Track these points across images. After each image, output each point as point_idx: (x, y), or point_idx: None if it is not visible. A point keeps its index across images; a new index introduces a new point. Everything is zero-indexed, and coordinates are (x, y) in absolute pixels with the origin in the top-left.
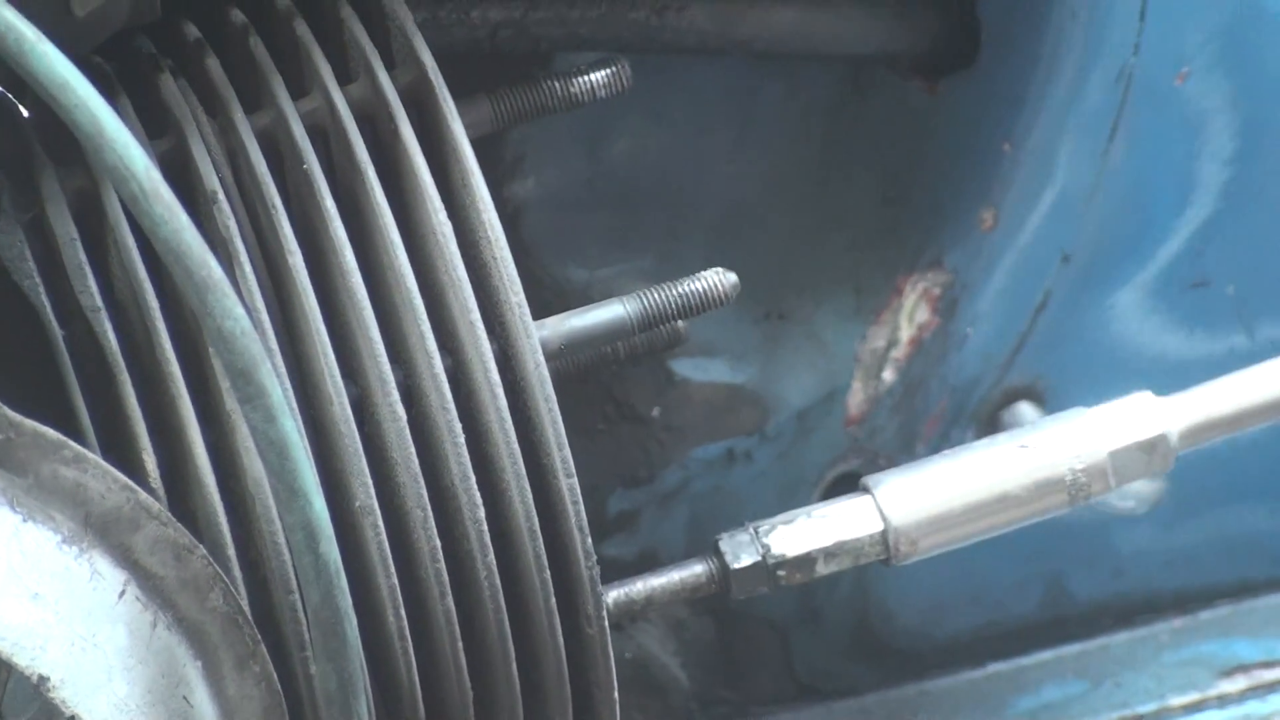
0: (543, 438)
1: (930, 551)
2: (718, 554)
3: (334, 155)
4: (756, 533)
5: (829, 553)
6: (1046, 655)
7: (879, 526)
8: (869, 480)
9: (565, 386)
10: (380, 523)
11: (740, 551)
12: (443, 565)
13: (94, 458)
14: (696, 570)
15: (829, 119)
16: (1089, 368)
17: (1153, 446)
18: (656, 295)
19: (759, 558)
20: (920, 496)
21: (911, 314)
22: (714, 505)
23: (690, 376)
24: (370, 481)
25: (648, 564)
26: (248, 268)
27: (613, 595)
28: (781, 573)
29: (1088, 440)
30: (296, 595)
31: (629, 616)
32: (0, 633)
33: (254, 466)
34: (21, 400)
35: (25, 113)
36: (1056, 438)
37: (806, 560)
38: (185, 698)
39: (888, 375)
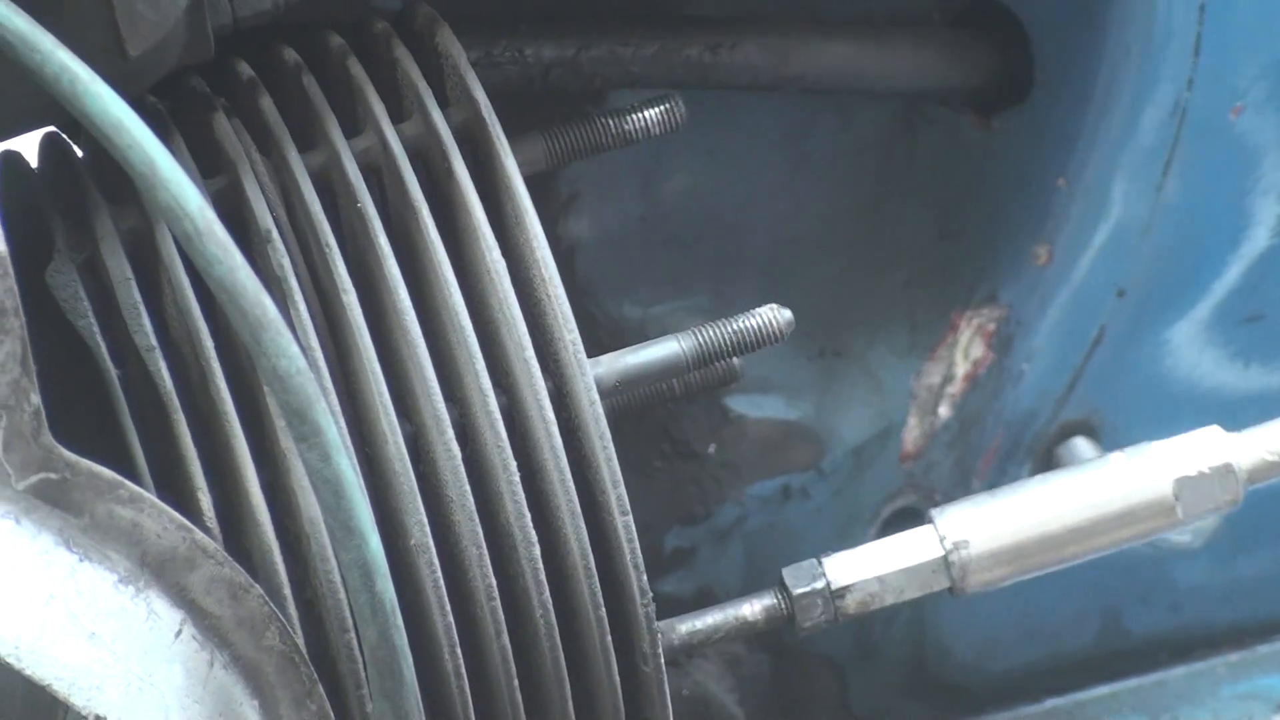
0: (598, 475)
1: (995, 584)
2: (783, 587)
3: (388, 194)
4: (821, 564)
5: (894, 583)
6: (1103, 690)
7: (945, 557)
8: (934, 512)
9: (620, 424)
10: (436, 561)
11: (806, 583)
12: (498, 603)
13: (150, 497)
14: (763, 603)
15: (882, 155)
16: (1144, 402)
17: (1222, 481)
18: (711, 332)
19: (824, 589)
20: (985, 528)
21: (967, 349)
22: (770, 542)
23: (746, 413)
24: (425, 519)
25: (704, 601)
26: (302, 306)
27: (678, 630)
28: (846, 603)
29: (1155, 474)
30: (352, 634)
31: (692, 652)
32: (57, 672)
33: (309, 505)
34: (77, 440)
35: (80, 153)
36: (1123, 471)
37: (872, 591)
38: None
39: (943, 411)
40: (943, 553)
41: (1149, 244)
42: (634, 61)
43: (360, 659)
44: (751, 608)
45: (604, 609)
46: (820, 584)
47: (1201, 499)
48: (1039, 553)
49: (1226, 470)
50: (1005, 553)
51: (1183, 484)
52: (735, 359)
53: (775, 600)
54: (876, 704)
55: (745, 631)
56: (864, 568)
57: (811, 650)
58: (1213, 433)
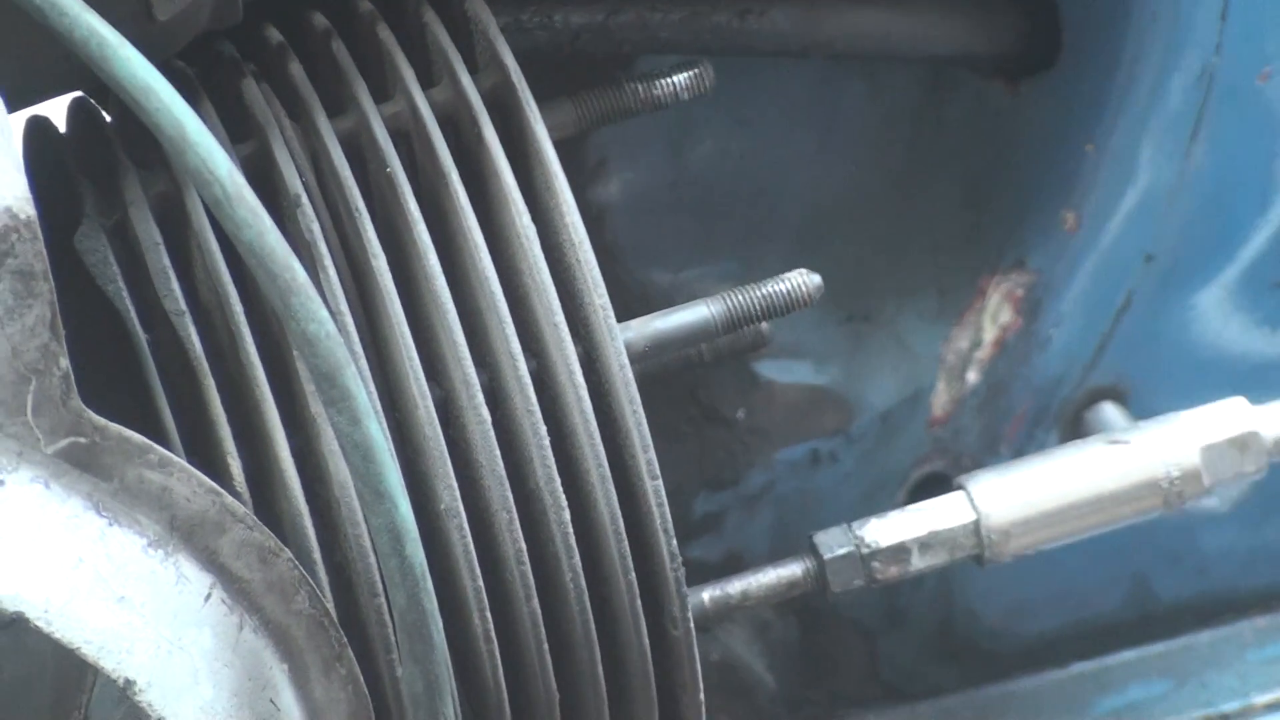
0: (627, 440)
1: (1024, 550)
2: (814, 552)
3: (417, 159)
4: (852, 529)
5: (924, 545)
6: (1131, 655)
7: (975, 523)
8: (964, 478)
9: (650, 389)
10: (465, 525)
11: (836, 546)
12: (528, 567)
13: (179, 461)
14: (793, 568)
15: (911, 121)
16: (1172, 368)
17: (1247, 450)
18: (741, 297)
19: (855, 552)
20: (1016, 494)
21: (995, 315)
22: (799, 507)
23: (775, 378)
24: (455, 484)
25: (733, 566)
26: (331, 271)
27: (708, 595)
28: (877, 565)
29: (1182, 443)
30: (382, 598)
31: (724, 616)
32: (87, 636)
33: (339, 470)
34: (106, 405)
35: (108, 118)
36: (1151, 440)
37: (902, 554)
38: (272, 700)
39: (971, 376)
40: (974, 518)
41: (1177, 209)
42: (662, 27)
43: (390, 623)
44: (783, 572)
45: (633, 573)
46: (851, 549)
47: (1227, 467)
48: (1068, 521)
49: (1252, 439)
50: (1035, 521)
51: (1209, 454)
52: (764, 324)
53: (806, 565)
54: (905, 669)
55: (776, 596)
56: (895, 533)
57: (840, 615)
58: (1237, 404)
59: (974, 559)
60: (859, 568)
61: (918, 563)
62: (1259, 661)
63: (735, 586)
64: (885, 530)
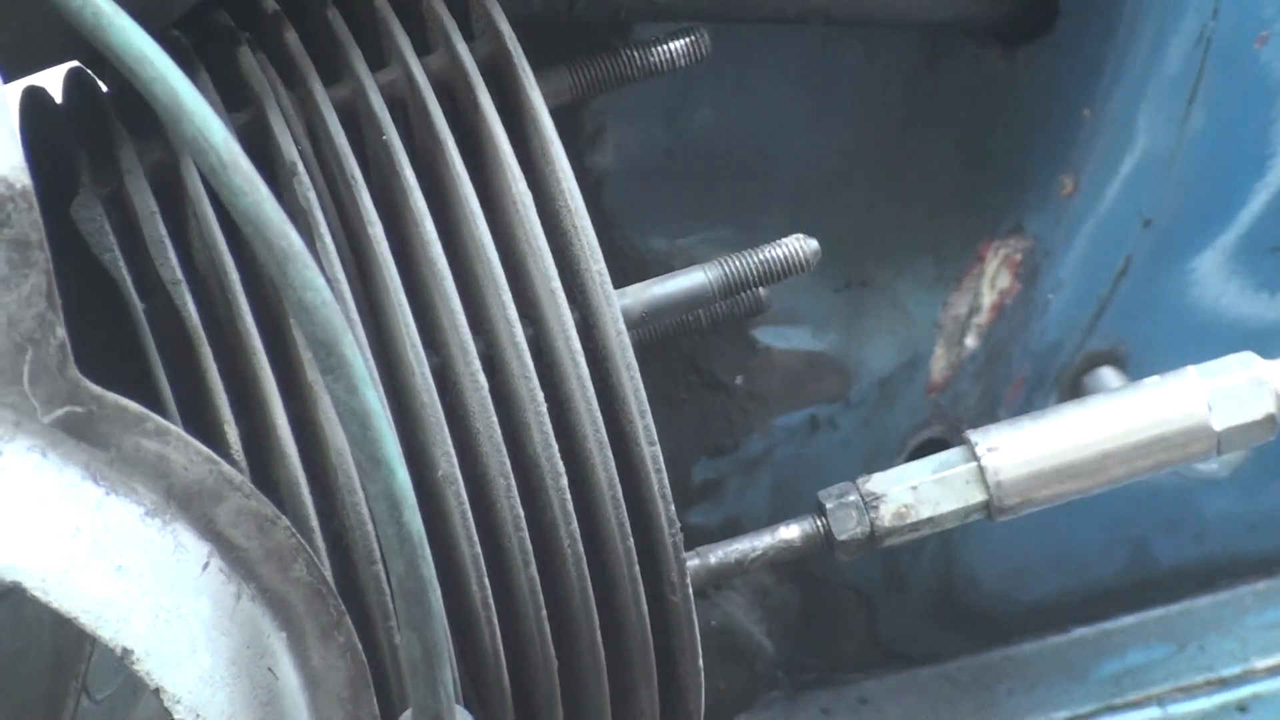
0: (625, 406)
1: (1034, 506)
2: (819, 509)
3: (413, 126)
4: (855, 483)
5: (930, 496)
6: (1130, 619)
7: (980, 470)
8: (971, 434)
9: (647, 355)
10: (463, 492)
11: (842, 500)
12: (526, 534)
13: (176, 430)
14: (800, 527)
15: (908, 87)
16: (1170, 332)
17: (1259, 404)
18: (738, 262)
19: (858, 501)
20: (1024, 448)
21: (993, 280)
22: (797, 473)
23: (772, 344)
24: (453, 451)
25: (732, 532)
26: (328, 239)
27: (718, 553)
28: (881, 515)
29: (1192, 398)
30: (380, 565)
31: (729, 576)
32: (84, 605)
33: (336, 437)
34: (103, 374)
35: (104, 87)
36: (1160, 396)
37: (907, 503)
38: (270, 669)
39: (970, 341)
40: (977, 463)
41: (1174, 174)
42: None
43: (388, 590)
44: (789, 531)
45: (631, 539)
46: (853, 496)
47: (1238, 423)
48: (1076, 476)
49: (1262, 393)
50: (1043, 475)
51: (1219, 407)
52: (762, 290)
53: (812, 523)
54: (905, 634)
55: (783, 555)
56: (898, 480)
57: (840, 581)
58: (1247, 358)
59: (983, 512)
60: (863, 515)
61: (923, 511)
62: (1258, 626)
63: (741, 546)
64: (892, 483)
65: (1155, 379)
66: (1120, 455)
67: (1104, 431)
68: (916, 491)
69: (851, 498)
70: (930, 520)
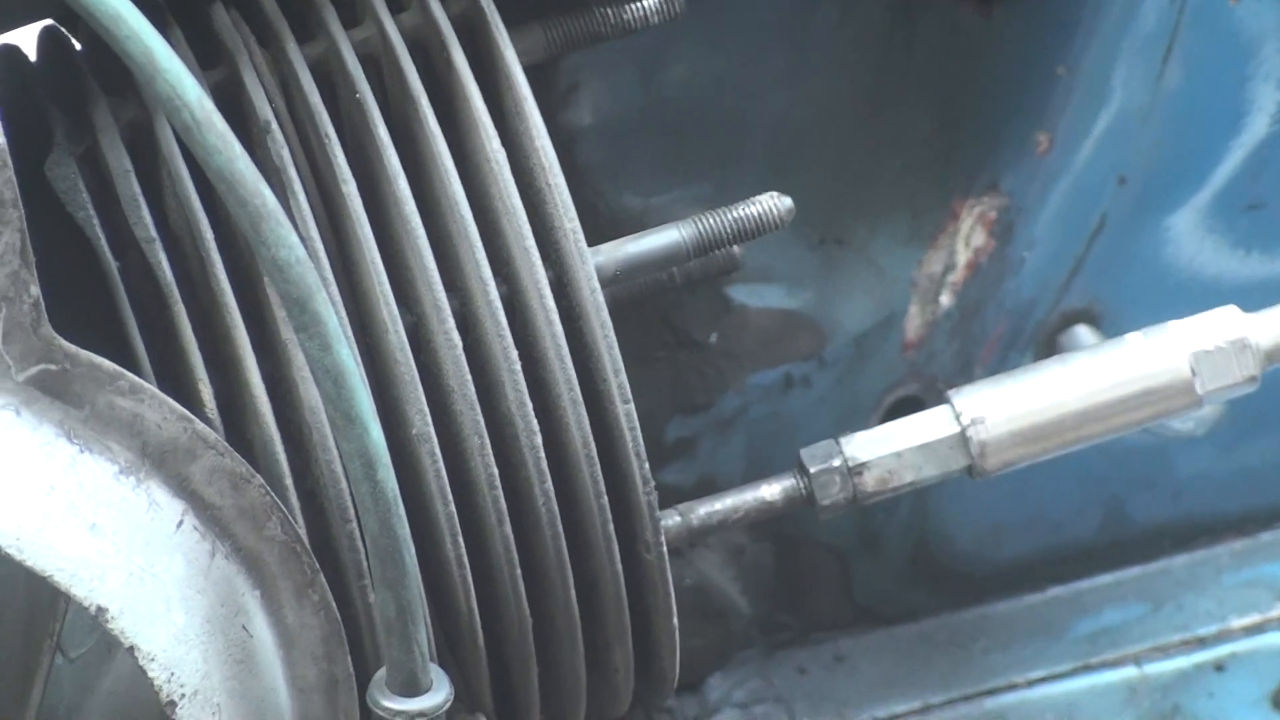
0: (599, 364)
1: (1013, 464)
2: (801, 468)
3: (387, 84)
4: (839, 443)
5: (912, 460)
6: (1106, 579)
7: (963, 436)
8: (951, 392)
9: (621, 313)
10: (437, 450)
11: (823, 461)
12: (500, 492)
13: (150, 388)
14: (781, 485)
15: (882, 44)
16: (1146, 290)
17: (1240, 358)
18: (712, 220)
19: (842, 465)
20: (1004, 407)
21: (968, 238)
22: (772, 431)
23: (747, 302)
24: (427, 409)
25: (706, 490)
26: (301, 197)
27: (700, 511)
28: (865, 480)
29: (1173, 352)
30: (354, 523)
31: (709, 534)
32: (58, 563)
33: (310, 395)
34: (77, 332)
35: (78, 46)
36: (1140, 351)
37: (890, 467)
38: (244, 627)
39: (944, 300)
40: (960, 429)
41: (1149, 131)
42: None
43: (362, 548)
44: (770, 490)
45: (606, 497)
46: (838, 461)
47: (1220, 377)
48: (1058, 433)
49: (1244, 347)
50: (1024, 433)
51: (1201, 361)
52: (735, 247)
53: (794, 481)
54: (879, 592)
55: (764, 515)
56: (882, 445)
57: (814, 540)
58: (1230, 312)
59: (965, 471)
60: (846, 481)
61: (906, 475)
62: (1235, 585)
63: (723, 504)
64: (872, 444)
65: (1137, 334)
66: (1102, 413)
67: (1087, 388)
68: (901, 458)
69: (836, 463)
70: (912, 484)
